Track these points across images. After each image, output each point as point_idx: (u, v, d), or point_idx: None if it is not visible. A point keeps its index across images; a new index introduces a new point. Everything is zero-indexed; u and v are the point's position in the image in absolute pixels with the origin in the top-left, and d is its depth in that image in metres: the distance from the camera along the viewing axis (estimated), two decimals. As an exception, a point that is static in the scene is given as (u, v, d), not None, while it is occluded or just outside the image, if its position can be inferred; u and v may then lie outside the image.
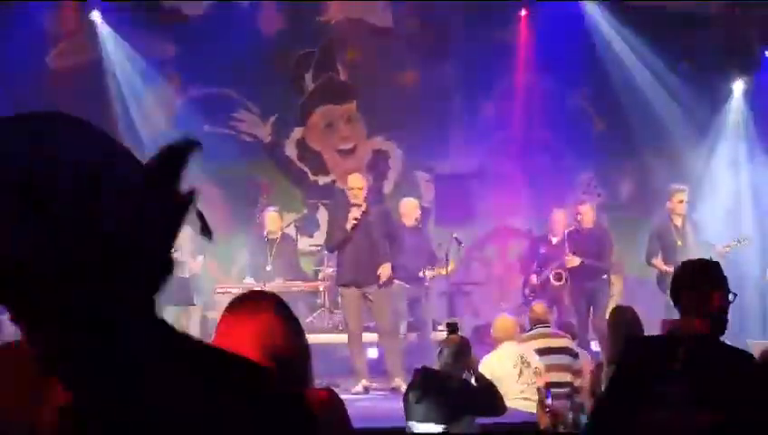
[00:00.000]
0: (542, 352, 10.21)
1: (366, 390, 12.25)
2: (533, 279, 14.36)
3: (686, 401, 4.55)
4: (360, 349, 12.63)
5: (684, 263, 5.48)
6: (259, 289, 2.79)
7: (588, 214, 14.22)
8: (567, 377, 10.08)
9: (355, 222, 12.28)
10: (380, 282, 12.34)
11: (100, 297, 1.64)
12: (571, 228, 14.30)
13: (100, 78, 16.01)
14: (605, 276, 14.10)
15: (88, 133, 1.72)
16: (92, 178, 1.63)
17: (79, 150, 1.66)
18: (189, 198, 1.76)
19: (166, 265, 1.76)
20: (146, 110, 16.41)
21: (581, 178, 17.40)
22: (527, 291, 14.53)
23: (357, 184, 12.59)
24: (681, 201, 13.59)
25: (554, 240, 14.32)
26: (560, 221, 14.46)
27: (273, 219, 14.12)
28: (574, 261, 13.93)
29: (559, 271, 14.01)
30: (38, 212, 1.57)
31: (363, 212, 12.35)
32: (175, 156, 1.74)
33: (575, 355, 10.44)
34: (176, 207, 1.76)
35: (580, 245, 14.06)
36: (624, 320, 8.66)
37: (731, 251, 13.57)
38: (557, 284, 14.01)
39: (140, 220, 1.68)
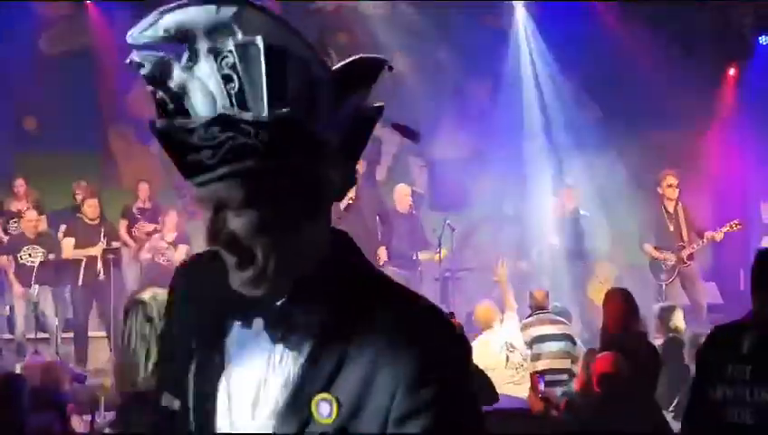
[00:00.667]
0: (541, 338, 10.23)
1: None
2: (523, 266, 14.40)
3: (748, 380, 4.77)
4: None
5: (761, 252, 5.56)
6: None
7: (571, 199, 14.22)
8: (566, 363, 10.08)
9: (350, 202, 12.27)
10: (380, 265, 12.29)
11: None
12: (557, 213, 14.35)
13: (91, 64, 15.98)
14: (584, 261, 14.08)
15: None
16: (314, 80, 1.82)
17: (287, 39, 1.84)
18: (374, 110, 1.90)
19: (349, 177, 1.92)
20: (138, 97, 16.41)
21: (576, 161, 17.43)
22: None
23: None
24: (670, 185, 13.59)
25: (542, 227, 14.37)
26: (551, 208, 14.50)
27: None
28: (556, 240, 13.94)
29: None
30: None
31: (357, 195, 12.36)
32: (365, 66, 1.88)
33: (574, 341, 10.44)
34: (361, 117, 1.88)
35: (562, 228, 14.11)
36: (619, 302, 8.64)
37: (723, 236, 13.58)
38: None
39: (327, 117, 1.83)
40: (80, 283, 13.43)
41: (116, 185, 15.68)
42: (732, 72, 17.07)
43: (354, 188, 12.32)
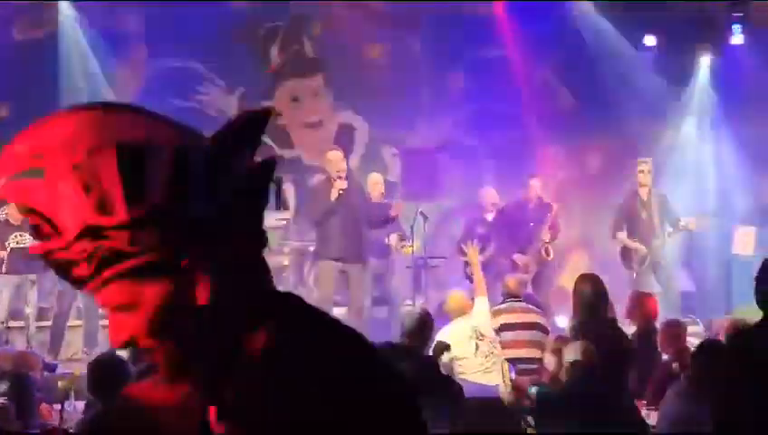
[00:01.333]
0: (512, 326, 10.21)
1: None
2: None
3: None
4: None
5: None
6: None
7: (534, 189, 14.19)
8: (537, 353, 10.06)
9: (341, 192, 12.31)
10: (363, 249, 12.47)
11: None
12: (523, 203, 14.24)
13: (67, 51, 15.92)
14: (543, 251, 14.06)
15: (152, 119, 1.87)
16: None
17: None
18: (266, 165, 1.88)
19: (255, 236, 1.90)
20: (112, 82, 16.36)
21: (549, 151, 17.46)
22: (469, 271, 14.42)
23: (338, 158, 12.65)
24: (642, 171, 13.60)
25: (489, 217, 14.34)
26: (492, 196, 14.44)
27: None
28: (547, 235, 13.89)
29: (546, 246, 13.96)
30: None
31: (347, 187, 12.42)
32: (249, 121, 1.87)
33: (546, 331, 10.43)
34: (247, 177, 1.86)
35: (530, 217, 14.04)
36: (588, 288, 8.67)
37: (696, 226, 13.61)
38: (549, 258, 13.98)
39: (205, 191, 1.82)
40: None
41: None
42: (705, 61, 17.05)
43: (345, 181, 12.39)
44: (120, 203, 1.75)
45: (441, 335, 9.87)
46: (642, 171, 13.65)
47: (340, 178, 12.42)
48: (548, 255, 13.98)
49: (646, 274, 13.47)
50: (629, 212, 13.72)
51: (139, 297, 1.81)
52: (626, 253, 13.65)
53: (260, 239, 1.91)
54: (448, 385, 7.85)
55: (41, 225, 1.82)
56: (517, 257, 14.13)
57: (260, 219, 1.91)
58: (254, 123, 1.88)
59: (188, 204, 1.79)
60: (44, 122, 1.82)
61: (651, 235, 13.48)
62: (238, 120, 1.88)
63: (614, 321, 8.77)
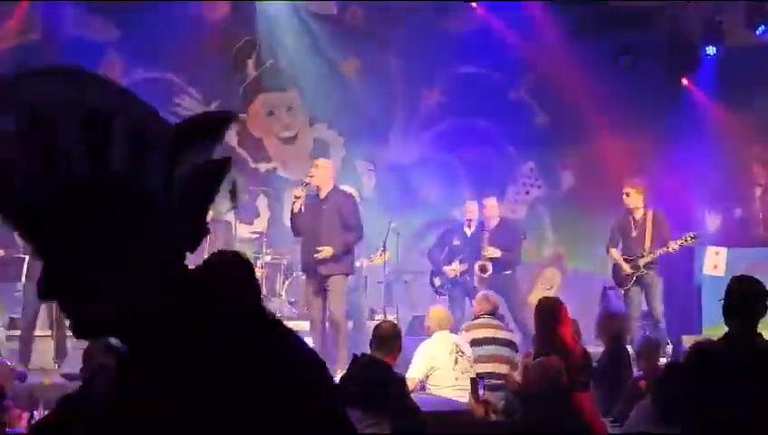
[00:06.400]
0: (484, 341, 10.27)
1: None
2: (449, 271, 14.20)
3: None
4: (323, 336, 12.38)
5: None
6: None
7: (494, 208, 14.18)
8: (505, 369, 10.11)
9: (295, 200, 12.28)
10: (319, 260, 12.25)
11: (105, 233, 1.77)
12: (481, 221, 14.23)
13: (42, 60, 15.89)
14: (509, 271, 14.05)
15: (105, 86, 1.85)
16: (101, 121, 1.75)
17: (91, 97, 1.79)
18: (221, 163, 1.87)
19: (193, 225, 1.88)
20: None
21: (522, 168, 17.50)
22: (438, 282, 14.33)
23: (329, 165, 12.73)
24: (628, 195, 13.48)
25: (468, 232, 14.31)
26: (473, 212, 14.42)
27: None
28: (494, 252, 13.86)
29: (483, 263, 13.94)
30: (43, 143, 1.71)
31: (318, 195, 12.37)
32: (208, 122, 1.87)
33: (516, 349, 10.49)
34: (203, 171, 1.85)
35: (494, 237, 14.02)
36: (548, 310, 8.75)
37: (678, 249, 13.56)
38: (483, 275, 13.93)
39: (162, 172, 1.79)
40: (23, 279, 13.29)
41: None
42: (684, 82, 17.14)
43: (301, 188, 12.35)
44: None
45: (423, 346, 9.94)
46: (628, 194, 13.51)
47: (305, 183, 12.41)
48: (483, 272, 13.92)
49: (634, 292, 13.38)
50: (622, 230, 13.63)
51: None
52: (616, 270, 13.56)
53: (199, 232, 1.89)
54: (410, 405, 7.86)
55: None
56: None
57: (204, 214, 1.90)
58: (215, 124, 1.88)
59: (146, 176, 1.77)
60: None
61: (640, 254, 13.34)
62: (201, 117, 1.89)
63: (563, 338, 8.81)
